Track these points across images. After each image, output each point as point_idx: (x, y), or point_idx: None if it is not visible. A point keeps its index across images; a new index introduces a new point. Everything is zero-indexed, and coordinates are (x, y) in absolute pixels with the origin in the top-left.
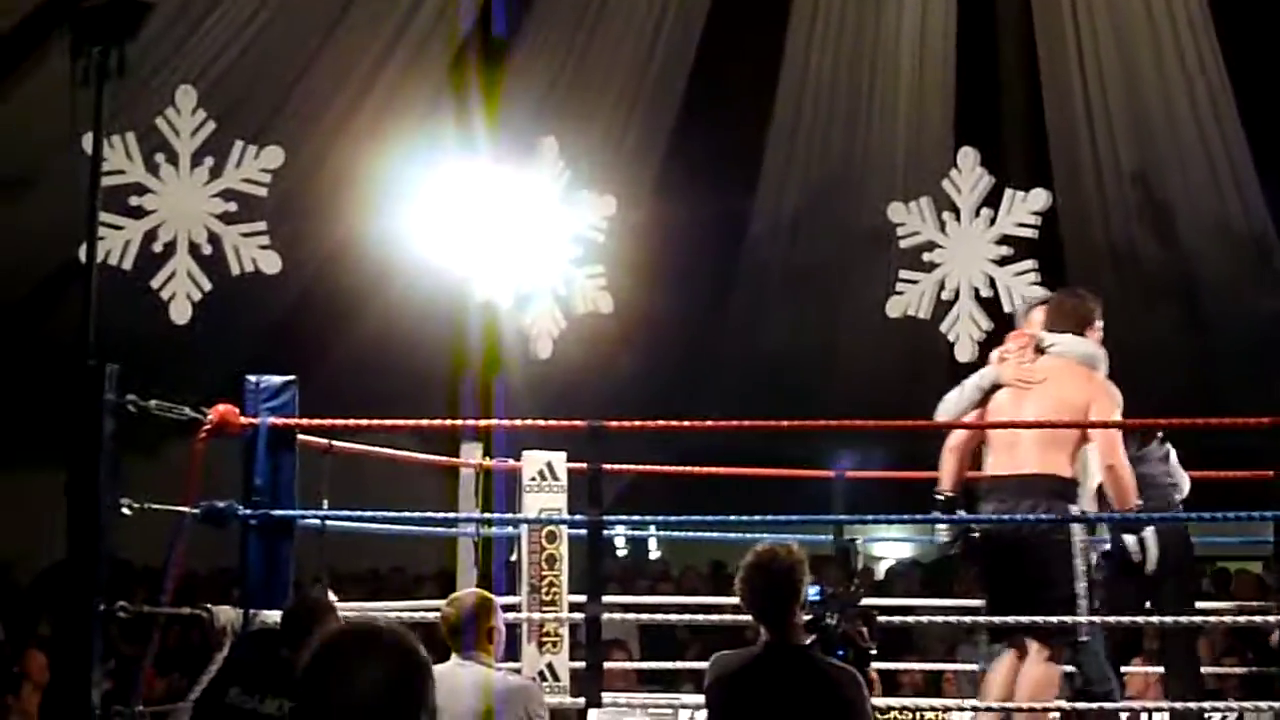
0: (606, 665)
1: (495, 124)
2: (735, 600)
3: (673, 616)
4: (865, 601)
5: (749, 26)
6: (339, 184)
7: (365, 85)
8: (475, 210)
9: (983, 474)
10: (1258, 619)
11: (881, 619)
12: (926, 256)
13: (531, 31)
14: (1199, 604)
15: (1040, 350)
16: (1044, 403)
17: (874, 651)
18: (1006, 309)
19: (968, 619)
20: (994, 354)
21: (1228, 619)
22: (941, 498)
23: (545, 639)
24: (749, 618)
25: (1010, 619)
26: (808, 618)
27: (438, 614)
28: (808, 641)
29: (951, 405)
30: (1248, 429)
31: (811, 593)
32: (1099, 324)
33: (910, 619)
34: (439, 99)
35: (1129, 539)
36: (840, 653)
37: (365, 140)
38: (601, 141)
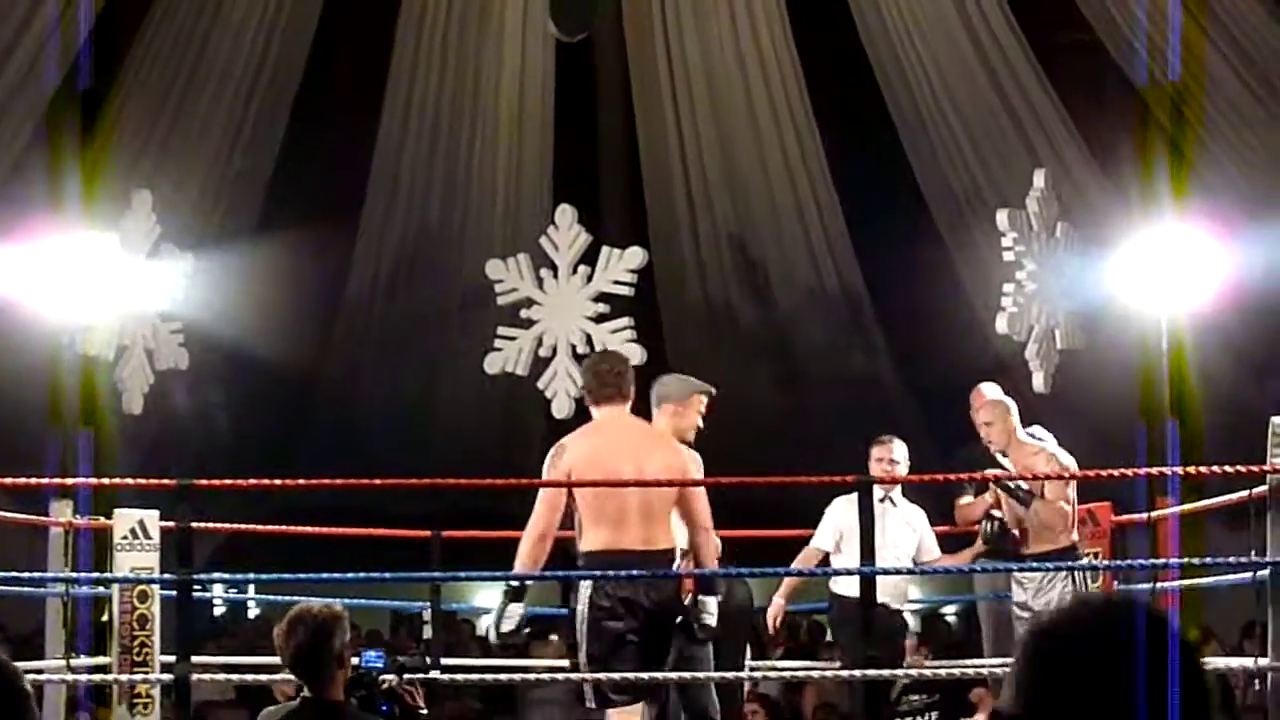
0: None
1: (88, 177)
2: None
3: (263, 677)
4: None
5: (348, 79)
6: None
7: None
8: (68, 262)
9: (601, 547)
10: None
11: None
12: (524, 313)
13: (126, 82)
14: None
15: None
16: (650, 468)
17: (424, 711)
18: None
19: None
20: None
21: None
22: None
23: (136, 700)
24: None
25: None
26: (355, 675)
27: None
28: (352, 698)
29: None
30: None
31: (371, 656)
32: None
33: (517, 677)
34: (30, 153)
35: (710, 603)
36: (384, 708)
37: None
38: (199, 194)
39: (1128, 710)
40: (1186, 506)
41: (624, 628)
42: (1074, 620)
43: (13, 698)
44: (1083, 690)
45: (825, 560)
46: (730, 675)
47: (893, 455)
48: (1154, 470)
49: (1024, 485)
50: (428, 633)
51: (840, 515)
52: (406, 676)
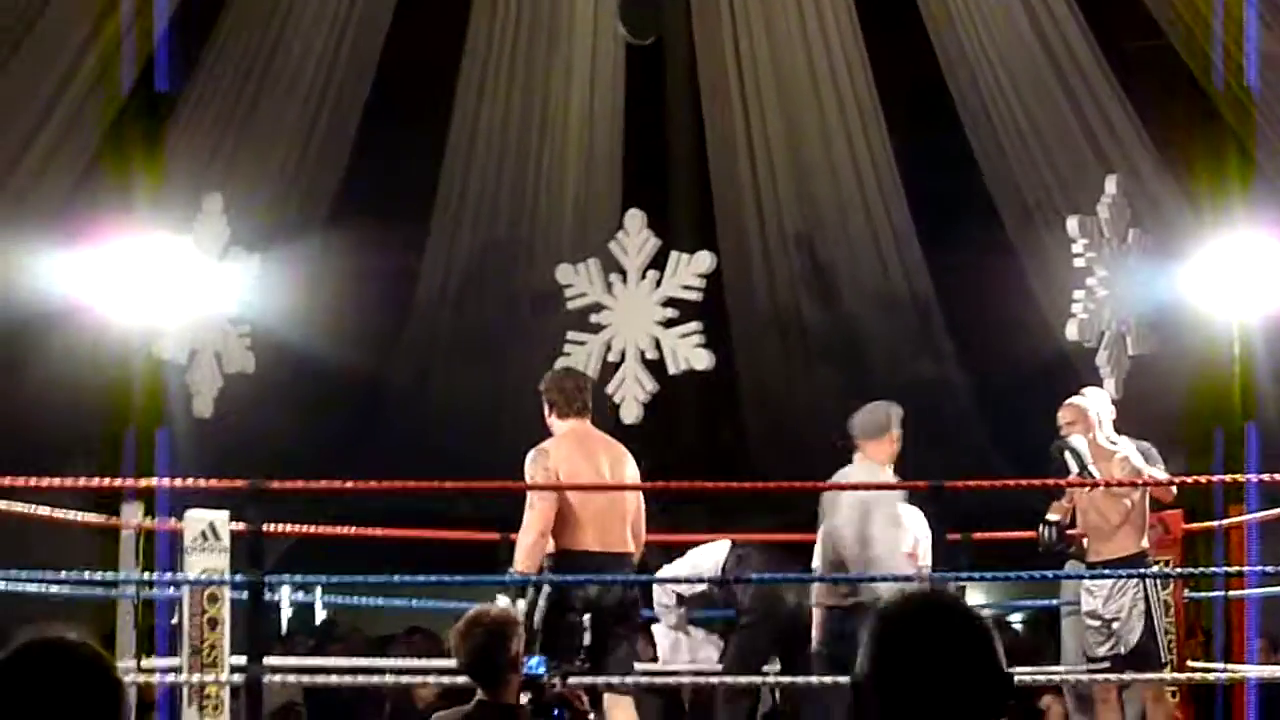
0: None
1: (159, 180)
2: (401, 662)
3: (333, 679)
4: None
5: (419, 84)
6: None
7: (23, 145)
8: (140, 265)
9: (581, 548)
10: None
11: None
12: (594, 318)
13: (198, 85)
14: None
15: None
16: (627, 475)
17: (590, 716)
18: (671, 371)
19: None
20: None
21: None
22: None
23: (206, 702)
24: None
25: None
26: (526, 678)
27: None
28: (523, 701)
29: None
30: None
31: (533, 663)
32: None
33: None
34: (101, 157)
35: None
36: (556, 713)
37: (23, 200)
38: (269, 197)
39: (941, 677)
40: (1260, 514)
41: (580, 624)
42: (903, 608)
43: (111, 690)
44: (908, 661)
45: None
46: (742, 680)
47: None
48: (1229, 477)
49: (1092, 470)
50: (586, 639)
51: None
52: (571, 680)
